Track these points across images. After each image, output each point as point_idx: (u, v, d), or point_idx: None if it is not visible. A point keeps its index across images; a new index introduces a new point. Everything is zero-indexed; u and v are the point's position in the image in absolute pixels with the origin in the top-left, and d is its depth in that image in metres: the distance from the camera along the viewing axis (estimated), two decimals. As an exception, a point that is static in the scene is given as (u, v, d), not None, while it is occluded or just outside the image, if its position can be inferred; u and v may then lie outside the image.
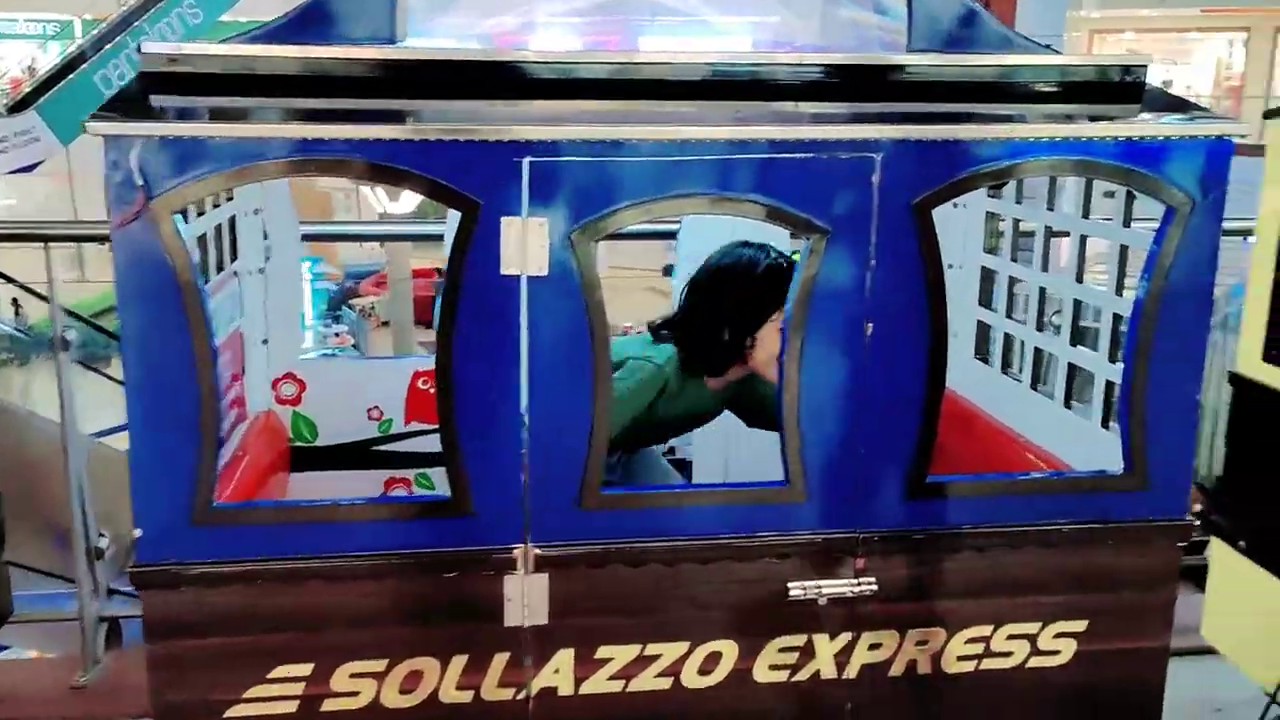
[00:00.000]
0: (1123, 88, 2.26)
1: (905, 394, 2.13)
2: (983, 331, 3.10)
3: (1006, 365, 2.98)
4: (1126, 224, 2.44)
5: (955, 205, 3.15)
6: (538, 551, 2.06)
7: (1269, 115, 3.21)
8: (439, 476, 3.14)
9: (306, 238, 4.00)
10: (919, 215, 2.05)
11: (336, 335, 13.34)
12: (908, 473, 2.16)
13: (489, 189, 1.93)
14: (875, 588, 2.18)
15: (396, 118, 2.01)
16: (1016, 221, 2.94)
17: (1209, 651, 3.49)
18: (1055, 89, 2.22)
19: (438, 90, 2.04)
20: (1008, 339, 2.97)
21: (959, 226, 3.15)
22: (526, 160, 1.92)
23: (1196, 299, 2.16)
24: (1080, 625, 2.27)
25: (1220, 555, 3.49)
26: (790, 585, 2.15)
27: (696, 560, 2.13)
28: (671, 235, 3.57)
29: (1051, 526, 2.23)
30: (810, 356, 2.08)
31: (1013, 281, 2.97)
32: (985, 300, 3.09)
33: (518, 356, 1.98)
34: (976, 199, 3.10)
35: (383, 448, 3.16)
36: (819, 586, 2.16)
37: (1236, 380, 3.36)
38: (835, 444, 2.14)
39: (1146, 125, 2.09)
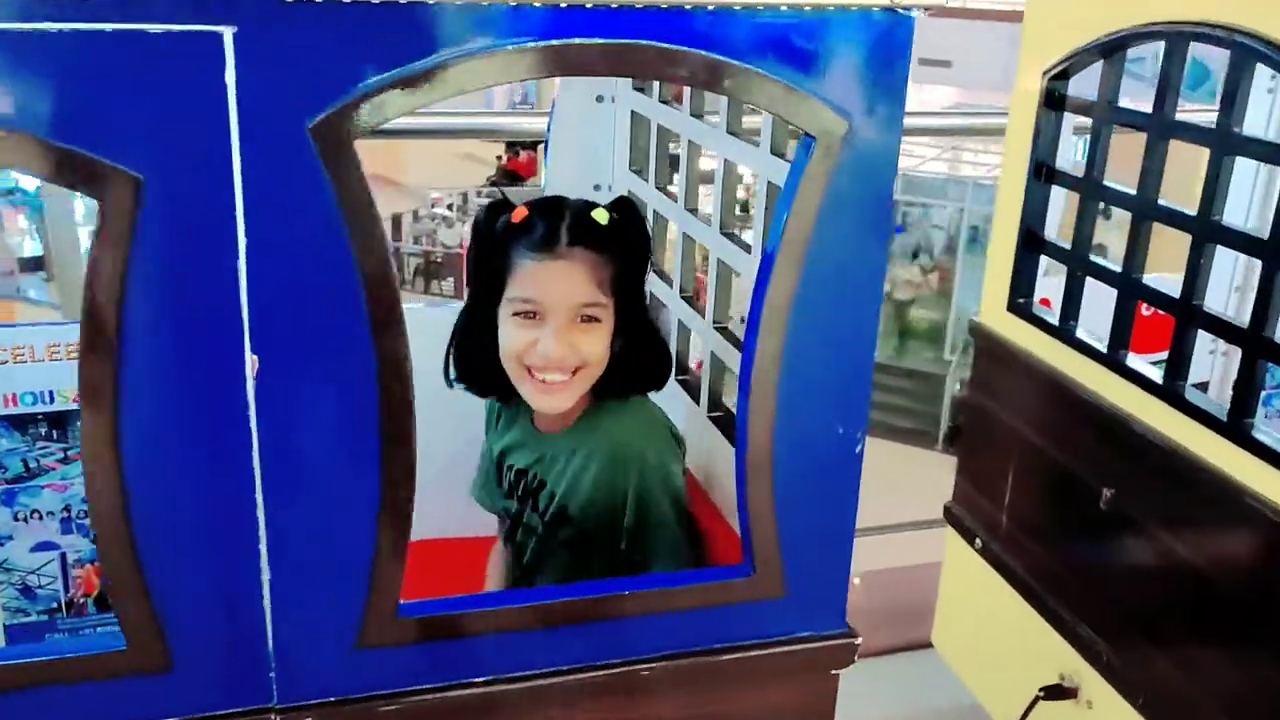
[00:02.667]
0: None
1: (341, 468, 1.17)
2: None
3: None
4: (778, 151, 1.51)
5: (600, 99, 2.18)
6: None
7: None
8: None
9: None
10: (330, 149, 1.06)
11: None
12: (366, 601, 1.22)
13: None
14: (313, 797, 1.26)
15: None
16: (661, 130, 1.99)
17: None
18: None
19: None
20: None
21: (607, 129, 2.18)
22: None
23: (856, 284, 1.26)
24: (684, 806, 1.42)
25: (954, 551, 2.75)
26: (157, 806, 1.21)
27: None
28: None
29: (631, 665, 1.34)
30: (137, 420, 1.09)
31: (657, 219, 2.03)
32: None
33: None
34: (624, 92, 2.14)
35: None
36: (207, 806, 1.22)
37: (977, 332, 2.55)
38: (212, 569, 1.17)
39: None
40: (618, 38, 1.09)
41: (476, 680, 1.28)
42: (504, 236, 1.60)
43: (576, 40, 1.08)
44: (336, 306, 1.10)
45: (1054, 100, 2.21)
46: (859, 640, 1.40)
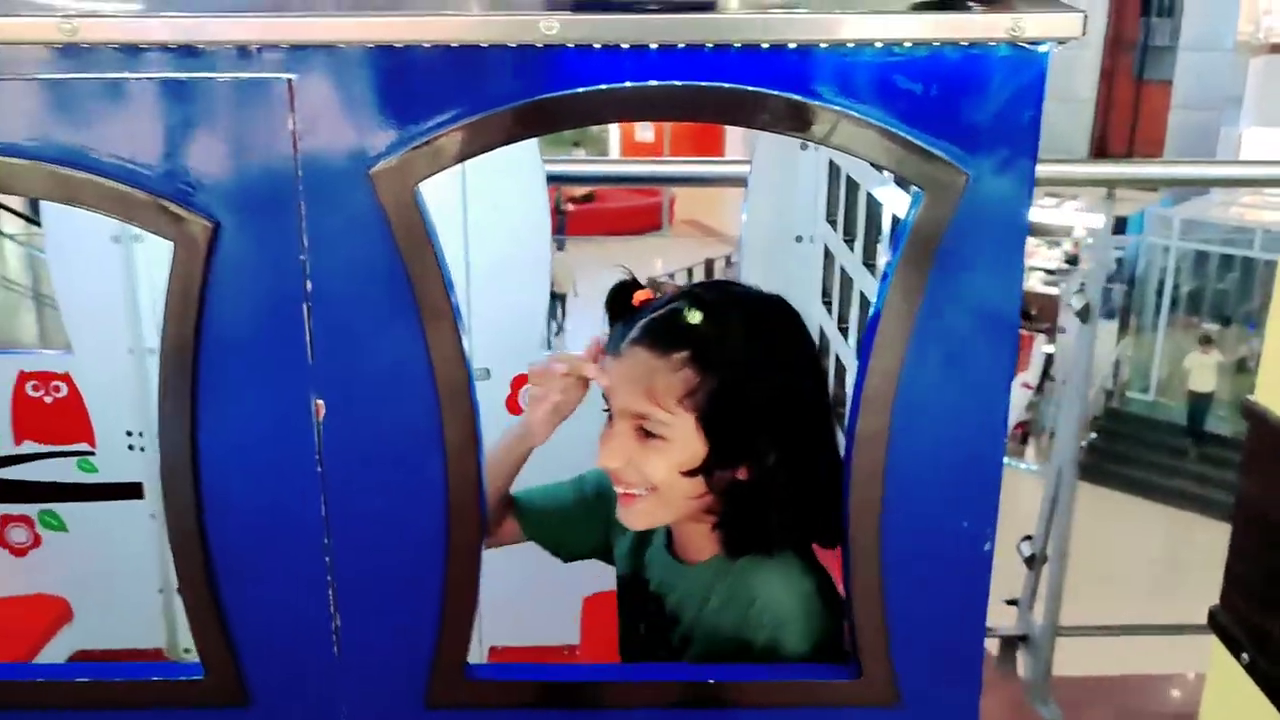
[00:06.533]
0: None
1: (406, 517, 1.15)
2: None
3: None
4: (903, 183, 1.36)
5: (805, 146, 2.08)
6: None
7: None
8: (73, 513, 2.32)
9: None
10: (390, 194, 1.04)
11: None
12: (432, 658, 1.19)
13: None
14: None
15: None
16: (850, 178, 1.86)
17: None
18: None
19: None
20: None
21: (809, 177, 2.07)
22: None
23: (977, 359, 1.09)
24: None
25: (1219, 665, 2.38)
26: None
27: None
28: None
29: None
30: (213, 460, 1.12)
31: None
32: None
33: None
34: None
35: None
36: None
37: (1251, 415, 2.21)
38: (285, 611, 1.17)
39: (846, 19, 1.00)
40: (692, 79, 1.01)
41: (549, 754, 1.22)
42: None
43: (643, 84, 1.01)
44: (398, 349, 1.08)
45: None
46: (990, 767, 1.21)
